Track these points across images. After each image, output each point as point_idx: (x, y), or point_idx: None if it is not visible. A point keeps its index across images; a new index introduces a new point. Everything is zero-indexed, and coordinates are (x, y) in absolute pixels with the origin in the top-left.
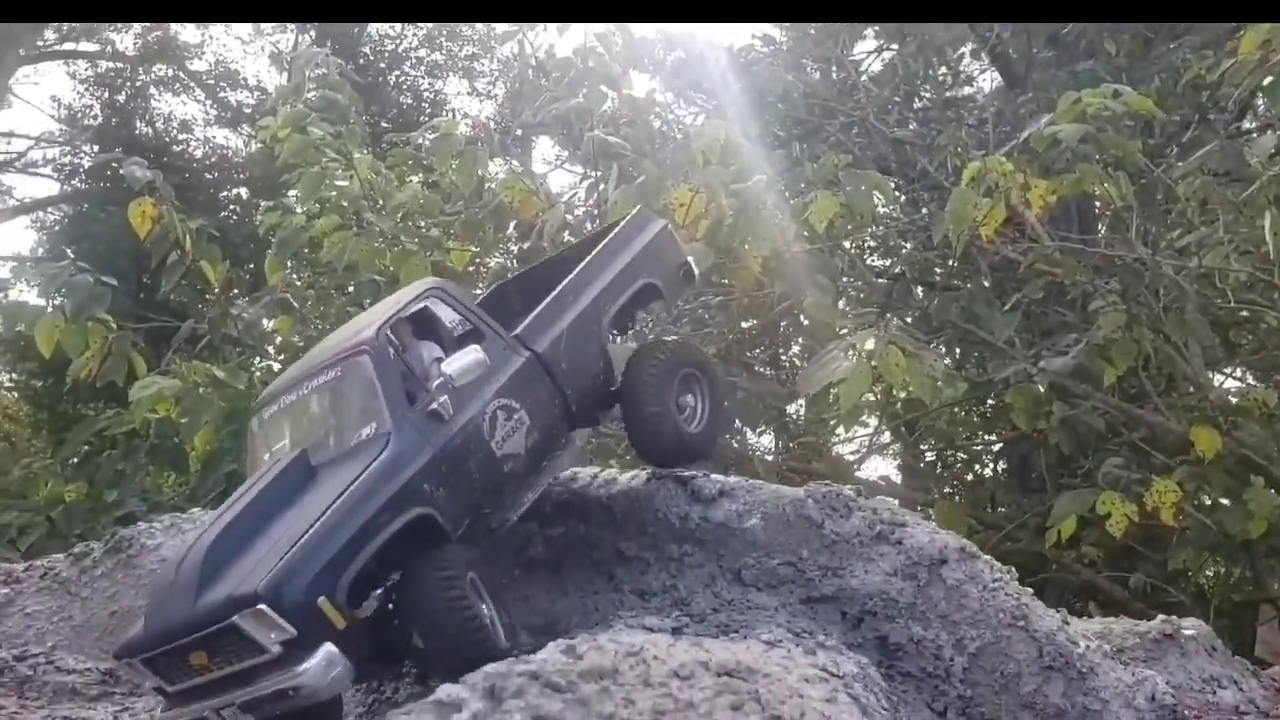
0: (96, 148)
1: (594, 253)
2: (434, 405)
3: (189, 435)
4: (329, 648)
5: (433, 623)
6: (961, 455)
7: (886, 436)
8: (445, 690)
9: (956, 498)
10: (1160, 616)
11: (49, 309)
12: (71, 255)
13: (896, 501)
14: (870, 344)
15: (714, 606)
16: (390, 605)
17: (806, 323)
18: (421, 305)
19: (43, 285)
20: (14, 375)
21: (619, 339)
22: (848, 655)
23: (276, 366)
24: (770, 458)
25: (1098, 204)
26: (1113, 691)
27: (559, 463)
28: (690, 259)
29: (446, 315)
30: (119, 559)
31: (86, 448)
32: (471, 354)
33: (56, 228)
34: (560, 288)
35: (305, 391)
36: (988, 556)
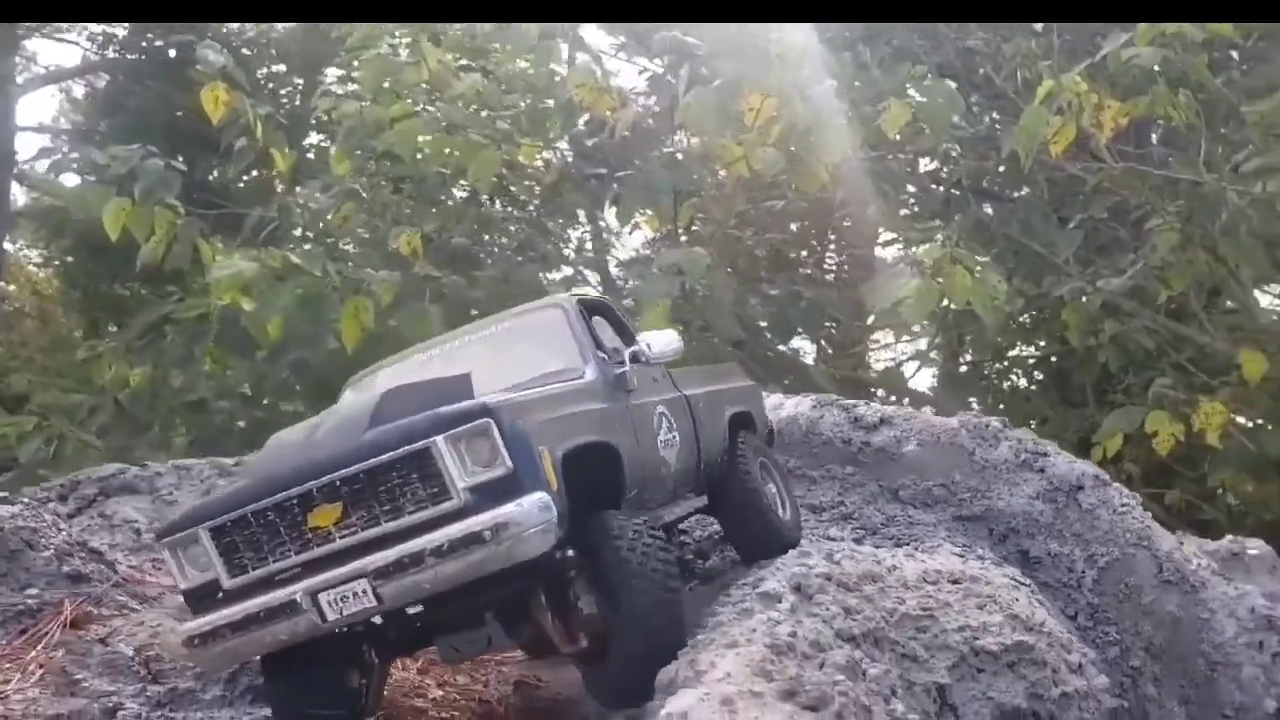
0: None
1: (711, 369)
2: (621, 370)
3: (261, 321)
4: (544, 494)
5: (631, 552)
6: (998, 365)
7: (923, 344)
8: (768, 585)
9: (997, 408)
10: (1228, 537)
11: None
12: (103, 130)
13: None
14: (934, 258)
15: (882, 521)
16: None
17: (849, 225)
18: (591, 314)
19: (113, 166)
20: (44, 252)
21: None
22: (1009, 567)
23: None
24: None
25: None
26: (1219, 603)
27: (686, 508)
28: (773, 426)
29: (606, 336)
30: None
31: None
32: (670, 334)
33: (85, 99)
34: (691, 369)
35: (454, 345)
36: (1118, 484)
